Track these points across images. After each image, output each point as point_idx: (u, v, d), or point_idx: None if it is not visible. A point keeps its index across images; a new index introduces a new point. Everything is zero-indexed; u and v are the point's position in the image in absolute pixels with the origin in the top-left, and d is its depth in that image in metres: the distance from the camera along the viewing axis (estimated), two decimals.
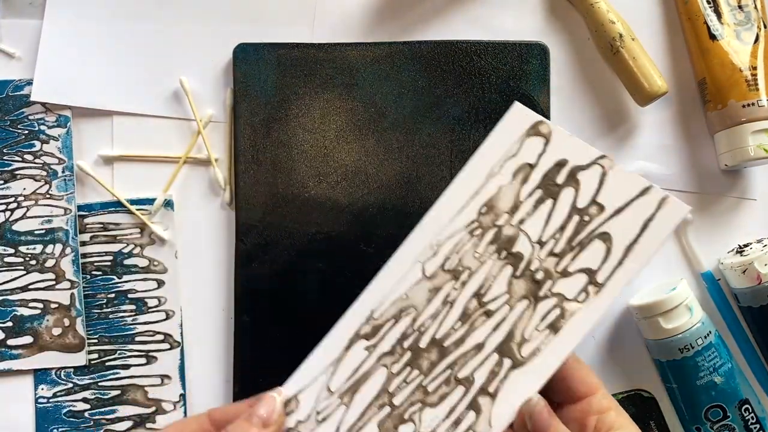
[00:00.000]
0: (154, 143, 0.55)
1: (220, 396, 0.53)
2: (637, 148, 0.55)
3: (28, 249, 0.54)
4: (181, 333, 0.54)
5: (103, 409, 0.53)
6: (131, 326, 0.54)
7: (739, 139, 0.51)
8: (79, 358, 0.53)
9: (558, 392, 0.44)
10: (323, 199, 0.53)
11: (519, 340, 0.43)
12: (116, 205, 0.54)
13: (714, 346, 0.50)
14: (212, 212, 0.55)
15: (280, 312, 0.52)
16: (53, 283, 0.53)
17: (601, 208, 0.44)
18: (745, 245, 0.53)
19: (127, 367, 0.54)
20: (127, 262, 0.54)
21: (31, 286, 0.54)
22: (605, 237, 0.43)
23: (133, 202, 0.54)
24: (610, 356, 0.54)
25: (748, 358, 0.54)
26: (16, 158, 0.54)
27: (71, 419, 0.53)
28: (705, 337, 0.50)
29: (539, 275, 0.44)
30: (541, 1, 0.55)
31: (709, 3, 0.53)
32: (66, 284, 0.53)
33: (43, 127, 0.54)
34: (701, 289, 0.54)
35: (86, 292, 0.54)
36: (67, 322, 0.53)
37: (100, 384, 0.53)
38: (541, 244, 0.44)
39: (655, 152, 0.55)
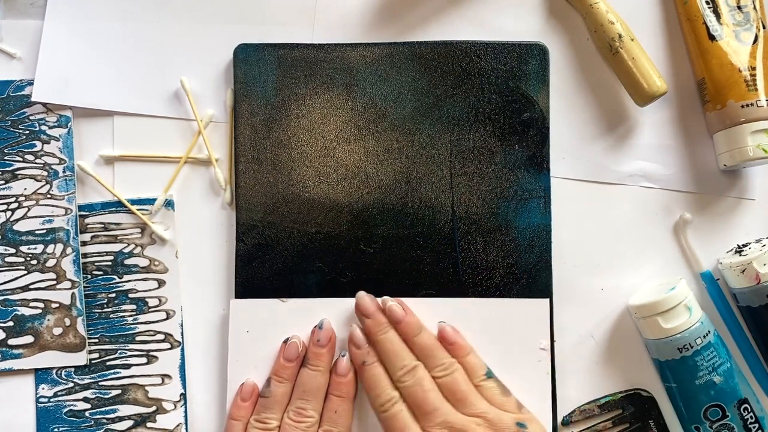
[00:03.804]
0: (154, 143, 0.55)
1: (221, 395, 0.53)
2: (637, 148, 0.55)
3: (29, 249, 0.54)
4: (182, 333, 0.54)
5: (103, 409, 0.53)
6: (132, 326, 0.54)
7: (738, 139, 0.51)
8: (80, 358, 0.53)
9: None
10: (323, 199, 0.53)
11: None
12: (117, 205, 0.54)
13: (713, 345, 0.50)
14: (212, 212, 0.55)
15: None
16: (54, 282, 0.54)
17: None
18: (744, 245, 0.54)
19: (127, 366, 0.54)
20: (127, 261, 0.54)
21: (31, 286, 0.54)
22: None
23: (133, 202, 0.54)
24: (609, 356, 0.54)
25: (747, 357, 0.54)
26: (17, 158, 0.54)
27: (72, 419, 0.53)
28: (704, 337, 0.50)
29: None
30: (541, 2, 0.55)
31: (708, 3, 0.53)
32: (67, 284, 0.54)
33: (44, 128, 0.54)
34: (700, 289, 0.54)
35: (87, 292, 0.54)
36: (67, 321, 0.53)
37: (100, 383, 0.54)
38: None
39: (655, 152, 0.55)
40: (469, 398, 0.49)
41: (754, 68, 0.52)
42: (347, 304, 0.52)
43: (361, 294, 0.51)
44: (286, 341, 0.51)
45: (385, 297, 0.51)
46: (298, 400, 0.50)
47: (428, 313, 0.52)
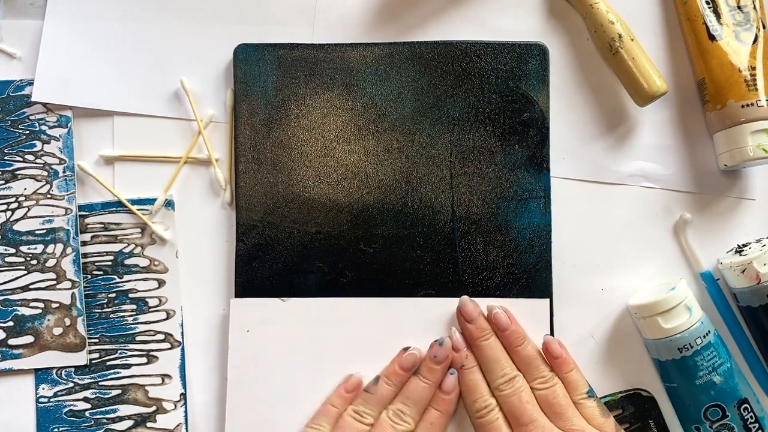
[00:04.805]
0: (154, 143, 0.55)
1: (221, 395, 0.53)
2: (637, 149, 0.55)
3: (29, 249, 0.54)
4: (182, 332, 0.54)
5: (103, 409, 0.53)
6: (132, 326, 0.54)
7: (738, 139, 0.51)
8: (80, 358, 0.53)
9: None
10: (323, 199, 0.53)
11: None
12: (117, 205, 0.54)
13: (713, 345, 0.50)
14: (212, 212, 0.55)
15: None
16: (54, 282, 0.54)
17: None
18: (744, 245, 0.54)
19: (127, 366, 0.54)
20: (127, 261, 0.54)
21: (32, 286, 0.54)
22: None
23: (133, 202, 0.54)
24: (609, 356, 0.54)
25: (747, 357, 0.54)
26: (17, 158, 0.54)
27: (72, 419, 0.53)
28: (704, 337, 0.50)
29: None
30: (541, 2, 0.55)
31: (708, 3, 0.53)
32: (67, 284, 0.54)
33: (44, 127, 0.54)
34: (700, 289, 0.54)
35: (87, 292, 0.54)
36: (67, 321, 0.53)
37: (100, 383, 0.54)
38: None
39: (655, 152, 0.55)
40: (567, 413, 0.48)
41: (754, 68, 0.52)
42: (347, 304, 0.52)
43: (465, 299, 0.51)
44: (405, 349, 0.51)
45: (490, 303, 0.51)
46: (400, 404, 0.50)
47: (428, 313, 0.52)
